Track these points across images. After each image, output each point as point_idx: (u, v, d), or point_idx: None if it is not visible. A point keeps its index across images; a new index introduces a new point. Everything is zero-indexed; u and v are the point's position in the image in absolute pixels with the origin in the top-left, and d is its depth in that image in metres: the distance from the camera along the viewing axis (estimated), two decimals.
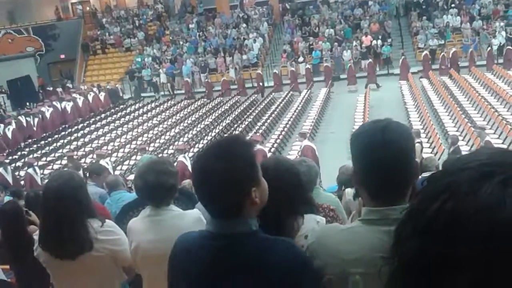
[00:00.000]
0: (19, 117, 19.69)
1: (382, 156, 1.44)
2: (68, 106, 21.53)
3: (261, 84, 23.05)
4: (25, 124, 19.04)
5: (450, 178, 0.69)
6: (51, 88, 27.08)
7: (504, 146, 10.62)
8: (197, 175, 1.55)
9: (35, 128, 19.31)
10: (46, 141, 18.16)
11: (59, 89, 26.06)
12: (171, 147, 15.04)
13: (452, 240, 0.64)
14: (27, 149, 17.17)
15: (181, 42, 28.49)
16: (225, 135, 14.64)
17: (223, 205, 1.51)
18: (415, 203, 0.73)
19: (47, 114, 20.27)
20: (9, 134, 18.09)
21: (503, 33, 22.51)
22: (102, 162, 11.95)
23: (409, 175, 1.47)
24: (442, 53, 21.68)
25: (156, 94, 24.77)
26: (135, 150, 15.00)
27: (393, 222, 1.39)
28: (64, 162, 14.15)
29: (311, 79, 22.72)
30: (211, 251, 1.52)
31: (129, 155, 14.91)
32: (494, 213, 0.62)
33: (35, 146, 17.65)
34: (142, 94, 25.54)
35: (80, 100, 22.34)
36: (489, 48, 21.42)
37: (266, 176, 2.08)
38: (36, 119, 19.53)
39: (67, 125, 20.35)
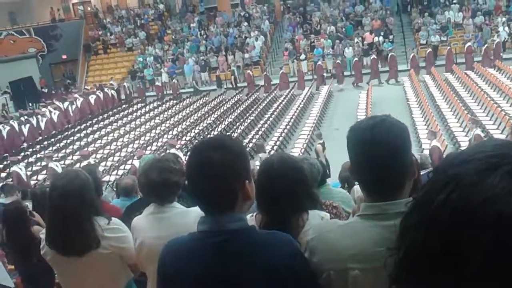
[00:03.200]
0: (22, 118, 19.77)
1: (370, 155, 1.44)
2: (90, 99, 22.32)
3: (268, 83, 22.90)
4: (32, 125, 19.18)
5: (455, 169, 0.69)
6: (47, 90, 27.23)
7: None
8: (194, 166, 1.55)
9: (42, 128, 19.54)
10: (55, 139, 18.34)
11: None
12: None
13: (458, 230, 0.64)
14: (30, 149, 17.24)
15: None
16: (227, 133, 14.65)
17: (219, 196, 1.50)
18: (420, 195, 0.74)
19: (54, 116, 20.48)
20: (5, 135, 18.30)
21: (506, 28, 22.44)
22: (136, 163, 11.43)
23: (400, 172, 1.46)
24: (486, 45, 21.19)
25: (219, 89, 24.16)
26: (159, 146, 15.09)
27: (392, 216, 1.38)
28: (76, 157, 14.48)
29: (323, 76, 22.41)
30: (212, 247, 1.50)
31: (126, 158, 14.79)
32: (501, 203, 0.62)
33: (45, 142, 17.90)
34: (146, 94, 25.46)
35: (92, 99, 22.87)
36: (486, 45, 21.21)
37: (271, 172, 2.09)
38: (45, 119, 19.89)
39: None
